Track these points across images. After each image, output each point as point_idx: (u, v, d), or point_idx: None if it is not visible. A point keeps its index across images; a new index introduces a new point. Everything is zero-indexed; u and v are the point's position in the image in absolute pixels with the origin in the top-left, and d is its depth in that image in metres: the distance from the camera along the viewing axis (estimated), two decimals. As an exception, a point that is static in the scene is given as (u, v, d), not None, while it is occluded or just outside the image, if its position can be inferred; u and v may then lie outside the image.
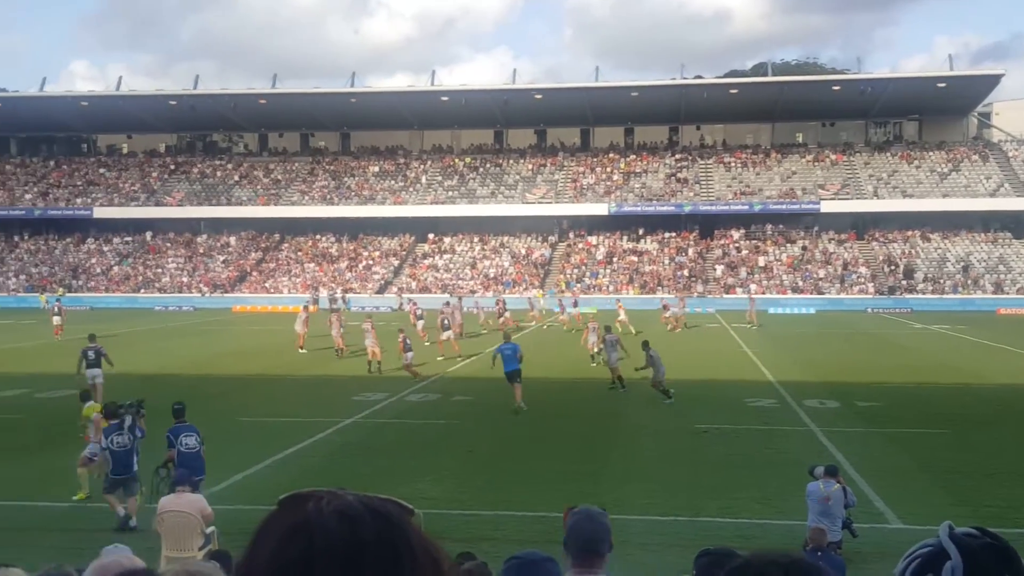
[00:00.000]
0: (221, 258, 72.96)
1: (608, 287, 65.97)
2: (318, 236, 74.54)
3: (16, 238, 76.05)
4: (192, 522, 10.56)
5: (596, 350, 32.01)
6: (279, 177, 77.90)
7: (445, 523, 14.00)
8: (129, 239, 75.55)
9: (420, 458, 18.72)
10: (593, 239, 72.54)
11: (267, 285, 68.52)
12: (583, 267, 69.15)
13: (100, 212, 74.44)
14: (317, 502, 1.23)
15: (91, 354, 24.86)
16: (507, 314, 46.95)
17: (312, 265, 71.11)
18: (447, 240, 73.83)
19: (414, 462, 18.32)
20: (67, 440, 19.65)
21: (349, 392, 26.58)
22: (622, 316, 43.79)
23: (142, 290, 67.80)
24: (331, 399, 25.75)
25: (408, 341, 29.80)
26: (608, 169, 76.21)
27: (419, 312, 42.90)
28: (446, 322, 36.60)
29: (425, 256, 72.35)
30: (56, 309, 42.49)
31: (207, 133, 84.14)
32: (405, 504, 1.27)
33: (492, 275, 68.71)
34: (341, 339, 35.71)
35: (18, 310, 59.98)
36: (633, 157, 77.28)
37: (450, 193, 75.09)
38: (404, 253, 73.08)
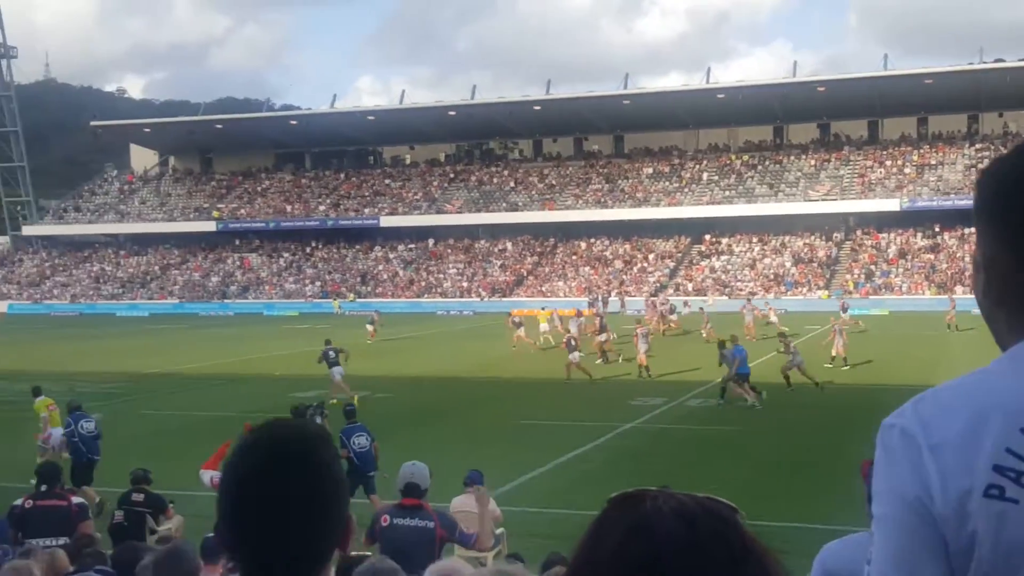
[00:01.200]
0: (499, 263, 74.45)
1: (901, 287, 61.76)
2: (592, 239, 74.52)
3: (311, 247, 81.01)
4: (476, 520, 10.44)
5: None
6: (553, 182, 78.59)
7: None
8: (413, 246, 78.63)
9: (702, 465, 17.71)
10: (883, 236, 68.16)
11: (543, 289, 69.18)
12: (872, 266, 65.08)
13: (386, 221, 77.95)
14: (653, 501, 1.27)
15: (331, 354, 26.59)
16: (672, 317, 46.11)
17: (587, 268, 71.14)
18: (724, 241, 71.74)
19: (696, 469, 17.32)
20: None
21: (625, 396, 25.80)
22: (773, 318, 41.76)
23: (425, 295, 70.25)
24: (608, 403, 25.09)
25: (574, 342, 29.45)
26: (899, 162, 71.45)
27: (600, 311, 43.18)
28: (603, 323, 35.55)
29: (702, 257, 70.64)
30: (372, 318, 43.92)
31: (484, 141, 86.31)
32: (731, 503, 1.29)
33: (772, 276, 66.07)
34: (606, 344, 34.66)
35: (313, 315, 63.55)
36: (927, 148, 72.05)
37: (727, 193, 72.96)
38: (679, 255, 71.68)
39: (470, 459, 17.49)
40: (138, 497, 11.18)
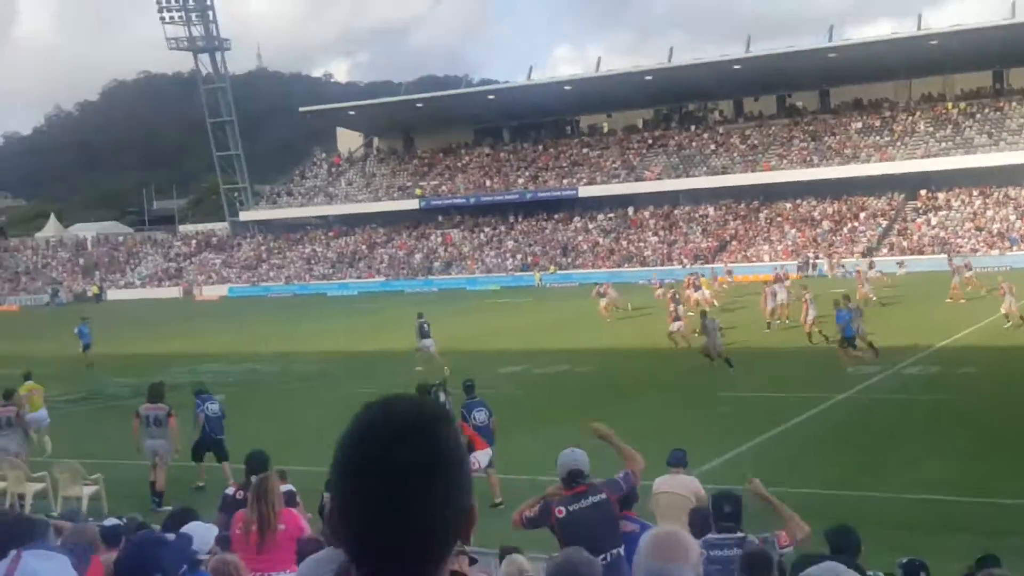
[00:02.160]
0: (700, 228, 72.67)
1: None
2: (798, 200, 71.51)
3: (511, 220, 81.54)
4: (686, 503, 10.03)
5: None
6: (755, 142, 75.89)
7: (962, 511, 11.82)
8: (612, 215, 77.83)
9: (923, 437, 16.39)
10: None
11: (748, 253, 67.01)
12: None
13: (585, 191, 77.45)
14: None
15: (425, 326, 27.65)
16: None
17: (793, 231, 68.39)
18: (941, 196, 67.31)
19: (916, 442, 16.03)
20: (545, 419, 19.70)
21: (835, 365, 24.24)
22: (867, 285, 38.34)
23: (626, 264, 69.34)
24: (819, 373, 23.70)
25: (680, 310, 29.79)
26: None
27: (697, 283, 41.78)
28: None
29: (917, 214, 66.57)
30: (601, 290, 42.32)
31: (683, 104, 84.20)
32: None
33: (996, 231, 61.52)
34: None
35: (514, 288, 63.94)
36: None
37: (943, 144, 68.33)
38: (893, 213, 67.79)
39: (671, 435, 16.85)
40: None
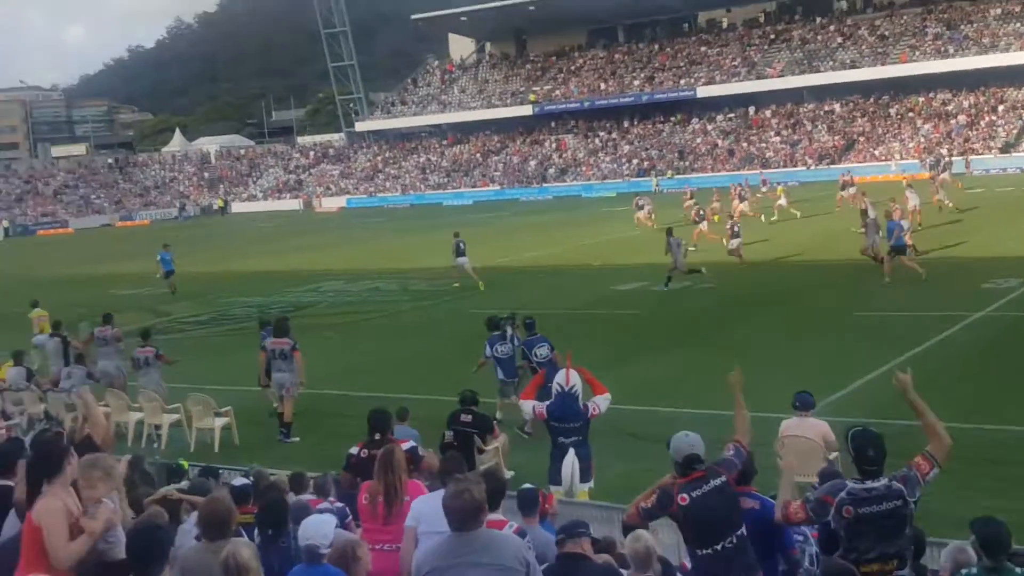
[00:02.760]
0: (825, 126, 69.95)
1: None
2: (931, 94, 67.97)
3: (626, 124, 79.89)
4: (814, 448, 9.88)
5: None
6: (885, 33, 72.06)
7: None
8: (732, 115, 75.51)
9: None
10: None
11: (876, 152, 64.29)
12: None
13: (703, 91, 75.15)
14: None
15: (460, 245, 28.64)
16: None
17: (927, 126, 65.21)
18: (1091, 85, 63.18)
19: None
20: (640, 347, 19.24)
21: (975, 278, 22.98)
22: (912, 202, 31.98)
23: (746, 167, 67.34)
24: (955, 288, 22.49)
25: (737, 227, 29.27)
26: None
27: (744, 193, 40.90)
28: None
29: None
30: (639, 203, 43.02)
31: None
32: None
33: None
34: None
35: (631, 195, 62.88)
36: None
37: (1092, 29, 63.82)
38: (1035, 105, 64.01)
39: (798, 361, 16.26)
40: (466, 418, 11.31)
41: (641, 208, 42.00)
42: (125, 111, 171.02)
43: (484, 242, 37.20)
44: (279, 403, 15.04)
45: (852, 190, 38.89)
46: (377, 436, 8.38)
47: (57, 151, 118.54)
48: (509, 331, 14.65)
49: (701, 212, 33.91)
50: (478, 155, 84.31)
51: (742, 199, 39.90)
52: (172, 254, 33.34)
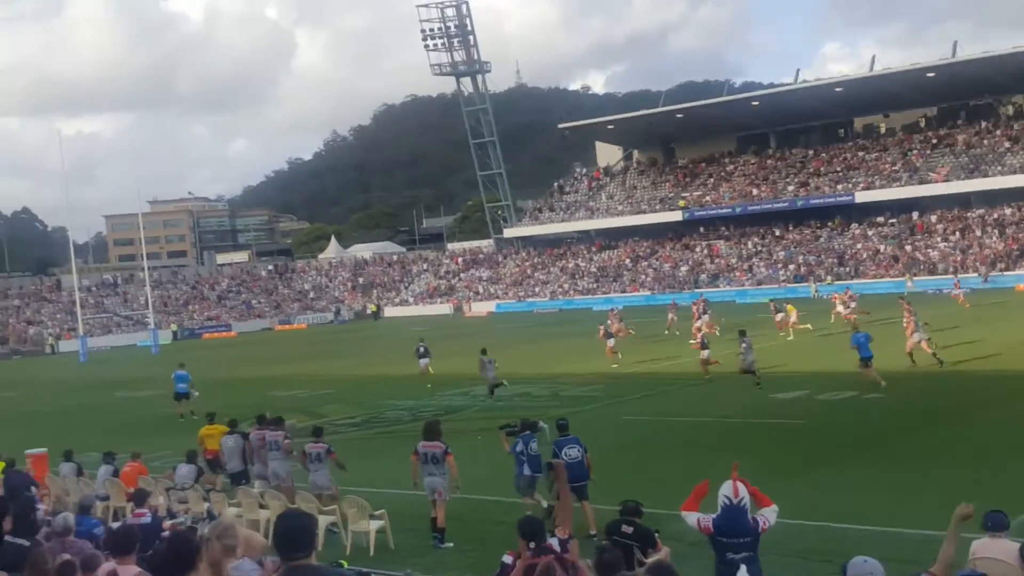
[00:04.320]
0: (997, 231, 66.74)
1: None
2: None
3: (779, 230, 78.21)
4: (1009, 571, 8.57)
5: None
6: (1056, 137, 68.87)
7: None
8: (894, 220, 73.02)
9: None
10: None
11: (1052, 258, 60.87)
12: None
13: (862, 196, 73.04)
14: None
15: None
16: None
17: None
18: None
19: None
20: (846, 452, 17.79)
21: None
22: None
23: (912, 271, 64.54)
24: None
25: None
26: None
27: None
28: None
29: None
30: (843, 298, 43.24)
31: (969, 100, 77.66)
32: None
33: None
34: None
35: (787, 301, 60.95)
36: None
37: None
38: None
39: (983, 478, 14.65)
40: (627, 529, 10.54)
41: (780, 312, 41.65)
42: (284, 219, 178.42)
43: (637, 345, 36.26)
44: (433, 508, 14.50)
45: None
46: (532, 545, 7.79)
47: (221, 258, 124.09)
48: (541, 425, 16.10)
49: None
50: (627, 260, 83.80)
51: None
52: (188, 375, 31.38)
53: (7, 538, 7.62)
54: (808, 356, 32.95)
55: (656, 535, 11.64)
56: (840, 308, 42.93)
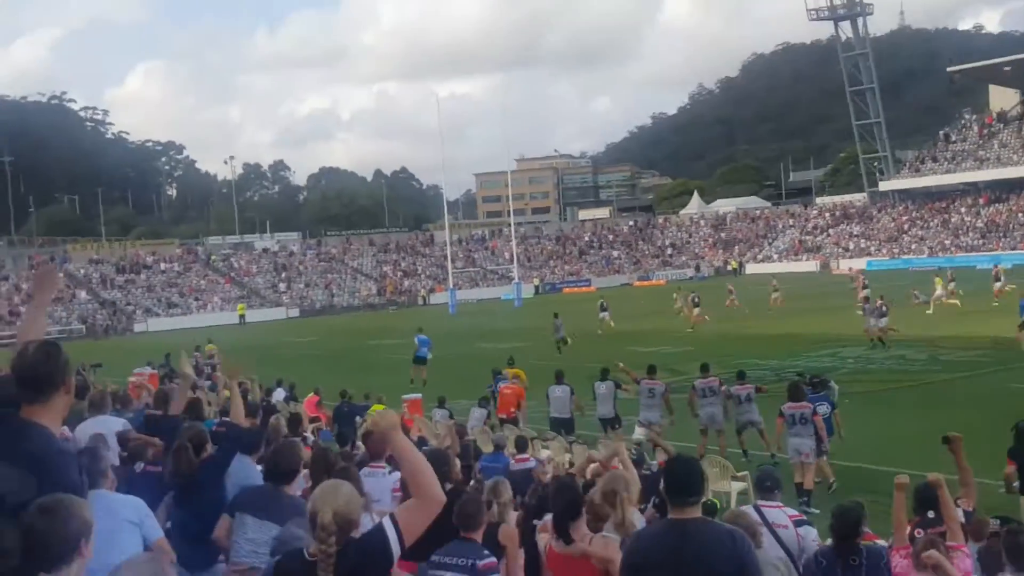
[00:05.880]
0: None
1: None
2: None
3: None
4: None
5: None
6: None
7: None
8: None
9: None
10: None
11: None
12: None
13: None
14: None
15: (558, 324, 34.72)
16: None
17: None
18: None
19: None
20: None
21: None
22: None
23: None
24: None
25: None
26: None
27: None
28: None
29: None
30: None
31: None
32: None
33: None
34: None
35: None
36: None
37: None
38: None
39: None
40: None
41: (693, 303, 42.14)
42: (647, 175, 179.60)
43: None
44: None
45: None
46: (931, 514, 7.03)
47: (583, 214, 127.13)
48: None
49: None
50: (1020, 215, 76.37)
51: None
52: (429, 340, 31.65)
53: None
54: None
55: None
56: None
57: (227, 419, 9.14)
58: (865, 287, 40.85)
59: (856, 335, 32.41)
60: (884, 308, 31.00)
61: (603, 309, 43.26)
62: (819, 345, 31.55)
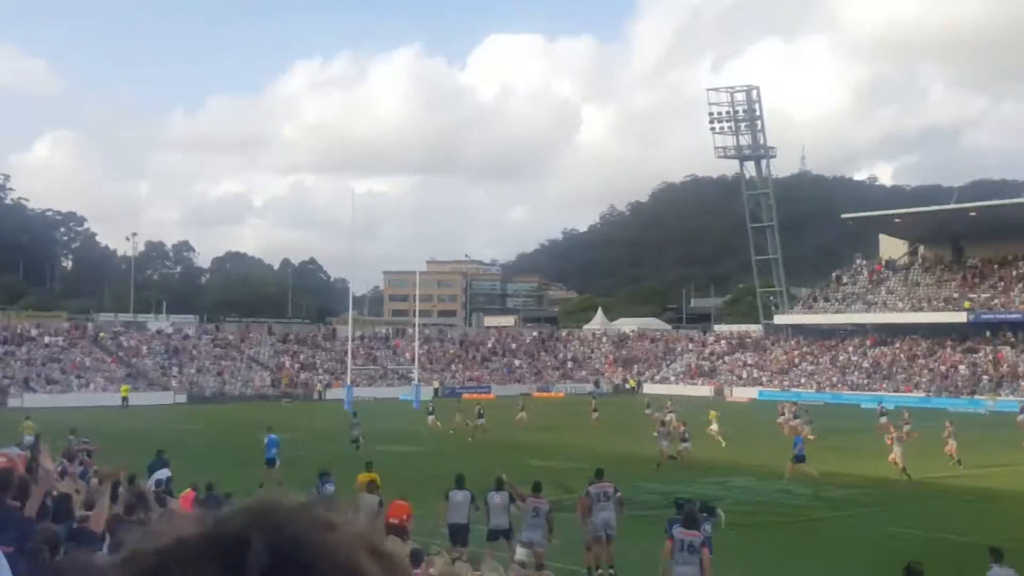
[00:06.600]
0: None
1: None
2: None
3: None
4: None
5: None
6: None
7: None
8: None
9: None
10: None
11: None
12: None
13: None
14: None
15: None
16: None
17: None
18: None
19: None
20: None
21: None
22: None
23: None
24: None
25: None
26: None
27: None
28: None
29: None
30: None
31: None
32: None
33: None
34: None
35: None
36: None
37: None
38: None
39: None
40: None
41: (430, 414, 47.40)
42: (554, 288, 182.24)
43: (919, 451, 34.36)
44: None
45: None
46: None
47: (489, 321, 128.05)
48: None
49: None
50: (903, 358, 79.64)
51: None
52: (277, 439, 29.98)
53: None
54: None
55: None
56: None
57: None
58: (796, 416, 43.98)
59: (740, 464, 33.42)
60: (686, 433, 34.80)
61: (480, 417, 45.49)
62: (709, 472, 32.21)
